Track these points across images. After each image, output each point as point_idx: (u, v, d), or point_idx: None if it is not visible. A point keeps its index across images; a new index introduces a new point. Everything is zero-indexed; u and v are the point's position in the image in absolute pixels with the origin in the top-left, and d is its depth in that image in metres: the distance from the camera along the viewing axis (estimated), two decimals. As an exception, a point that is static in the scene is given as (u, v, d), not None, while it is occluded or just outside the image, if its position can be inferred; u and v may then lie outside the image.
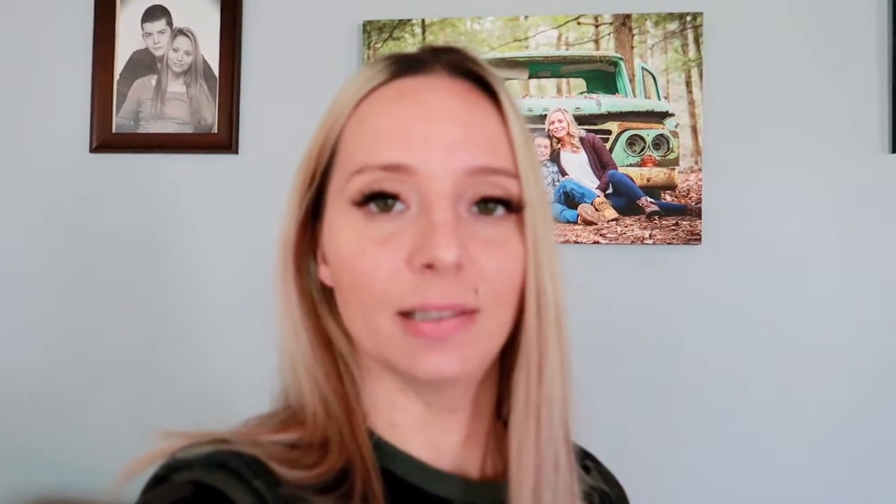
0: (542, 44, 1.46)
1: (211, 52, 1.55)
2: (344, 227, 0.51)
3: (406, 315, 0.48)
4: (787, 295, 1.38)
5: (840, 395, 1.37)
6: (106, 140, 1.54)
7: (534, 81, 1.45)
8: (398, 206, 0.49)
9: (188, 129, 1.54)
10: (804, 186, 1.39)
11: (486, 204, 0.50)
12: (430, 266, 0.47)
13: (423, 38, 1.49)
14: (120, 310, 1.53)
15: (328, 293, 0.56)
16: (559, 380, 0.52)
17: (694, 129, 1.41)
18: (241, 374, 1.47)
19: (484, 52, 1.47)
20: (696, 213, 1.40)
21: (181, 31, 1.56)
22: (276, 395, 0.58)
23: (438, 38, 1.49)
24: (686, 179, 1.41)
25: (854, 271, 1.37)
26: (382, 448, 0.52)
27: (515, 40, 1.47)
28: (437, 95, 0.51)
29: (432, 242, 0.46)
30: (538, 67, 1.45)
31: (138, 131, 1.54)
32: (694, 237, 1.39)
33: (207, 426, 0.52)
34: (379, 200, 0.49)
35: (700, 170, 1.40)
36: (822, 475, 1.36)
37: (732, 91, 1.41)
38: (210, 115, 1.54)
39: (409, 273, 0.48)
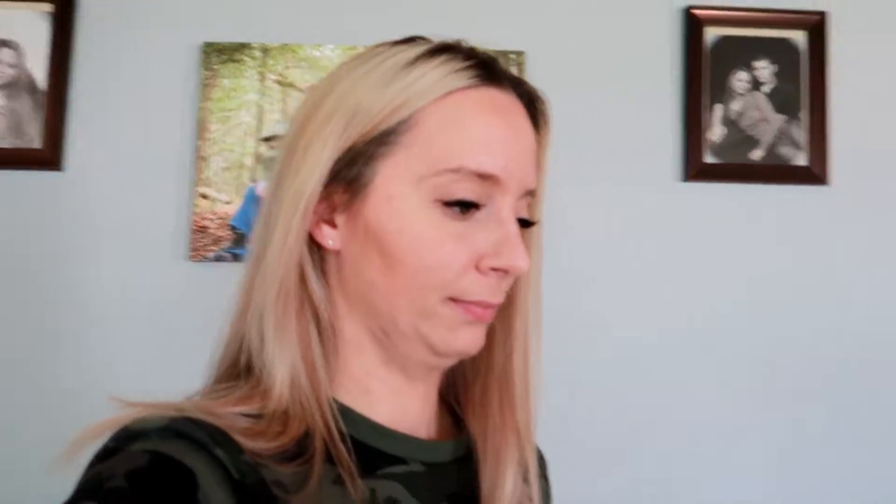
0: (379, 73, 1.53)
1: (38, 66, 1.49)
2: (415, 213, 0.53)
3: (455, 300, 0.54)
4: (590, 306, 1.51)
5: (647, 395, 1.50)
6: (-89, 152, 1.44)
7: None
8: (472, 209, 0.54)
9: (5, 144, 1.46)
10: (609, 209, 1.53)
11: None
12: (498, 270, 0.54)
13: (264, 63, 1.52)
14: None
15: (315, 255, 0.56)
16: (535, 352, 0.61)
17: (517, 156, 1.53)
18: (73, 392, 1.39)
19: (323, 79, 1.53)
20: (521, 233, 1.50)
21: (5, 43, 1.50)
22: (221, 362, 0.57)
23: (279, 64, 1.53)
24: (511, 202, 1.52)
25: (651, 287, 1.53)
26: (344, 413, 0.54)
27: (353, 68, 1.54)
28: (519, 118, 0.57)
29: (512, 253, 0.54)
30: (375, 94, 1.52)
31: (-50, 143, 1.45)
32: (519, 255, 1.50)
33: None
34: (465, 206, 0.54)
35: (523, 193, 1.52)
36: (635, 475, 1.48)
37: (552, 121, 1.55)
38: (33, 130, 1.47)
39: (475, 272, 0.54)
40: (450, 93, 0.54)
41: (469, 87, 0.55)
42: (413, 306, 0.54)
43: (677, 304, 1.53)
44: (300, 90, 1.53)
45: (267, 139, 1.51)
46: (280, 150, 0.57)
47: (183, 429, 0.48)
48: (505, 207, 0.55)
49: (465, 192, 0.53)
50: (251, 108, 1.52)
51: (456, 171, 0.53)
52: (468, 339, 0.55)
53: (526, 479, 0.60)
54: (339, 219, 0.56)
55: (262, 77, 1.53)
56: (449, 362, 0.59)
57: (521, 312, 0.60)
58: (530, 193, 0.58)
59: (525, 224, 0.58)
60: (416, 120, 0.54)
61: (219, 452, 0.47)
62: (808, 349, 1.53)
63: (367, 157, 0.54)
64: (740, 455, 1.50)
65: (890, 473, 1.51)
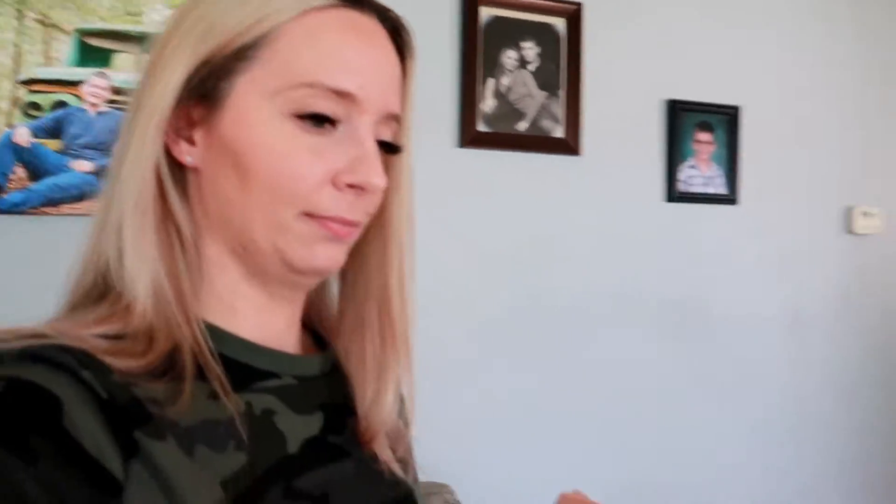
0: (158, 20, 1.47)
1: None
2: (269, 126, 0.53)
3: (311, 215, 0.54)
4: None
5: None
6: None
7: (146, 56, 1.46)
8: (328, 125, 0.54)
9: None
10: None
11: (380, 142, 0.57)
12: (354, 186, 0.54)
13: (22, 0, 1.40)
14: None
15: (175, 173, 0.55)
16: (410, 275, 0.63)
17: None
18: None
19: (94, 23, 1.44)
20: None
21: None
22: (76, 288, 0.54)
23: (41, 2, 1.41)
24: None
25: (426, 247, 1.64)
26: (212, 331, 0.54)
27: (129, 14, 1.46)
28: (381, 40, 0.57)
29: (368, 169, 0.54)
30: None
31: None
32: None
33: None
34: (320, 120, 0.53)
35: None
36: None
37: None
38: None
39: (331, 187, 0.54)
40: (309, 10, 0.54)
41: (330, 6, 0.55)
42: (268, 221, 0.54)
43: (451, 262, 1.65)
44: (66, 32, 1.42)
45: (26, 82, 1.39)
46: (140, 71, 0.57)
47: (42, 353, 0.46)
48: (362, 126, 0.55)
49: (320, 106, 0.53)
50: (7, 48, 1.39)
51: (311, 85, 0.53)
52: (325, 256, 0.55)
53: (401, 396, 0.64)
54: (198, 135, 0.55)
55: (21, 15, 1.40)
56: (309, 280, 0.60)
57: (395, 238, 0.61)
58: (395, 119, 0.58)
59: (390, 149, 0.58)
60: (274, 36, 0.53)
61: (85, 375, 0.46)
62: (557, 301, 1.73)
63: (224, 71, 0.54)
64: (484, 404, 1.67)
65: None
